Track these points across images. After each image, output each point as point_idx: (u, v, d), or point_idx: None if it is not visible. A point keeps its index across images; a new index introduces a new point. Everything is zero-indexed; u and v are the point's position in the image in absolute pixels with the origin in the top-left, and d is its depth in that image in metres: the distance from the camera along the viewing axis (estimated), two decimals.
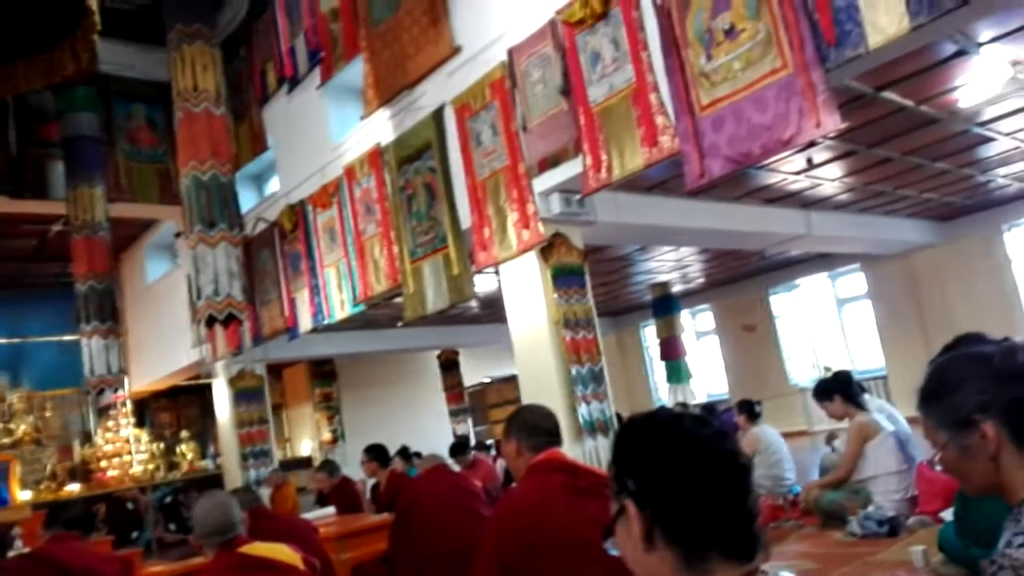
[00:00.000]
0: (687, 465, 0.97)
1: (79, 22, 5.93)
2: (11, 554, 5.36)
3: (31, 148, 8.48)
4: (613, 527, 1.03)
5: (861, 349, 12.25)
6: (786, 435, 6.64)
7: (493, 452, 9.95)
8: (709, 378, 14.10)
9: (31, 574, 3.09)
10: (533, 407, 2.80)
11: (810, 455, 8.17)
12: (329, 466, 7.36)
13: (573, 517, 2.30)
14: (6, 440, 10.39)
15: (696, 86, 4.40)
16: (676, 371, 11.80)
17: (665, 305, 11.87)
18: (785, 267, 12.20)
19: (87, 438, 11.64)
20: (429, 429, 13.44)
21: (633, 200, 6.28)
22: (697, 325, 14.48)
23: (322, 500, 7.24)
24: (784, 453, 6.05)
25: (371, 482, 7.72)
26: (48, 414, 11.39)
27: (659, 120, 4.65)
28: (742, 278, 12.57)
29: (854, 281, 12.41)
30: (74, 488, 10.35)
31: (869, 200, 8.72)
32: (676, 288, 12.22)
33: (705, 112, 4.43)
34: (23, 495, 9.87)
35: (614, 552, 1.05)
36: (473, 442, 12.24)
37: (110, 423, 11.30)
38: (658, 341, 12.15)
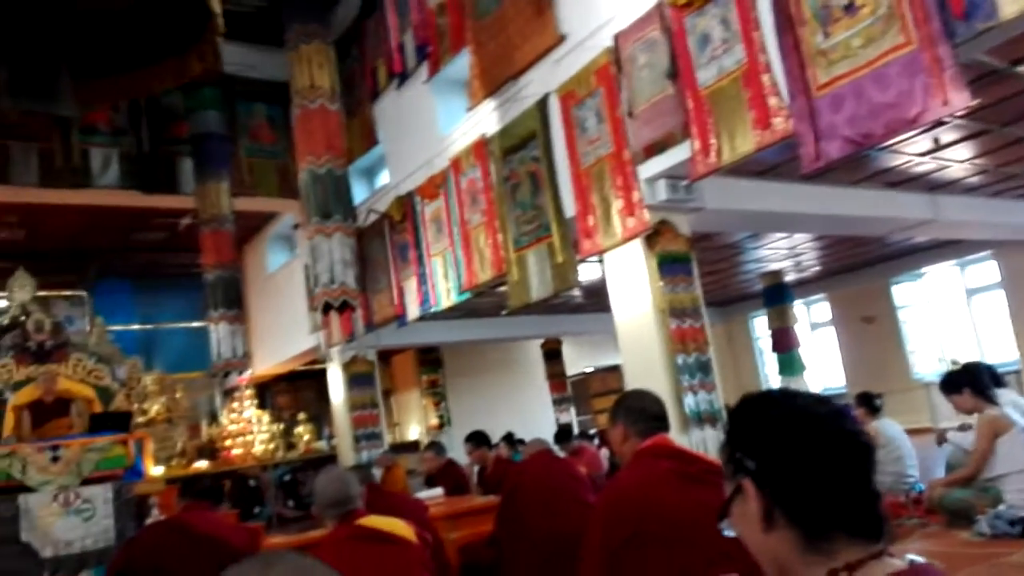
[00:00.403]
0: (807, 443, 0.94)
1: (205, 26, 6.32)
2: (148, 521, 5.83)
3: (162, 146, 9.09)
4: (728, 508, 1.01)
5: (992, 341, 11.46)
6: (909, 432, 6.31)
7: (596, 442, 9.93)
8: (824, 371, 13.54)
9: (167, 539, 3.34)
10: (640, 392, 2.77)
11: (934, 452, 7.72)
12: (436, 447, 7.56)
13: (682, 504, 2.26)
14: (141, 419, 11.16)
15: (812, 65, 4.23)
16: (789, 363, 11.39)
17: (777, 295, 11.46)
18: (909, 255, 11.54)
19: (213, 418, 12.36)
20: (533, 417, 13.56)
21: (743, 185, 6.10)
22: (812, 316, 13.92)
23: (431, 482, 7.45)
24: (907, 449, 5.75)
25: (477, 468, 7.87)
26: (178, 395, 12.14)
27: (772, 101, 4.50)
28: (861, 267, 11.96)
29: (985, 270, 11.61)
30: (202, 465, 11.02)
31: (1002, 183, 8.12)
32: (789, 277, 11.77)
33: (822, 91, 4.25)
34: (156, 470, 10.60)
35: (729, 533, 1.03)
36: (576, 431, 12.27)
37: (234, 404, 11.96)
38: (769, 332, 11.77)
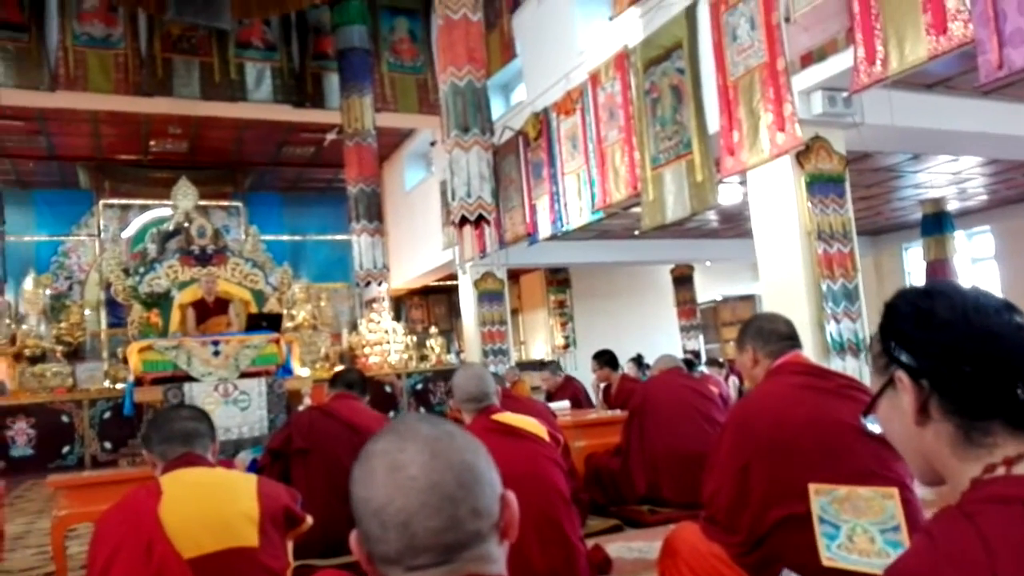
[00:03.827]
0: (972, 333, 0.89)
1: None
2: (301, 407, 6.32)
3: (310, 62, 9.41)
4: (877, 402, 0.99)
5: None
6: None
7: (726, 370, 9.75)
8: None
9: (318, 423, 3.60)
10: (767, 314, 2.67)
11: None
12: (552, 366, 7.71)
13: (819, 418, 2.17)
14: (289, 324, 11.98)
15: None
16: None
17: (937, 224, 10.63)
18: None
19: (354, 327, 13.07)
20: (658, 342, 13.45)
21: (910, 99, 5.58)
22: (972, 250, 12.87)
23: (550, 399, 7.60)
24: None
25: (603, 386, 7.93)
26: (322, 304, 12.89)
27: (950, 3, 4.07)
28: None
29: None
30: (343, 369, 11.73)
31: None
32: (951, 206, 10.86)
33: None
34: (302, 371, 11.39)
35: (874, 428, 1.01)
36: (705, 359, 12.09)
37: (373, 315, 12.59)
38: (924, 264, 10.99)
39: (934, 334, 0.92)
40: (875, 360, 1.00)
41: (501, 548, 0.85)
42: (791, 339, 2.47)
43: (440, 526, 0.80)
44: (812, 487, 1.81)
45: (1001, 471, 0.87)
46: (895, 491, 1.72)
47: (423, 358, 12.91)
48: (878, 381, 0.99)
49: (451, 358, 12.98)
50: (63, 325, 11.22)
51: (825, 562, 1.77)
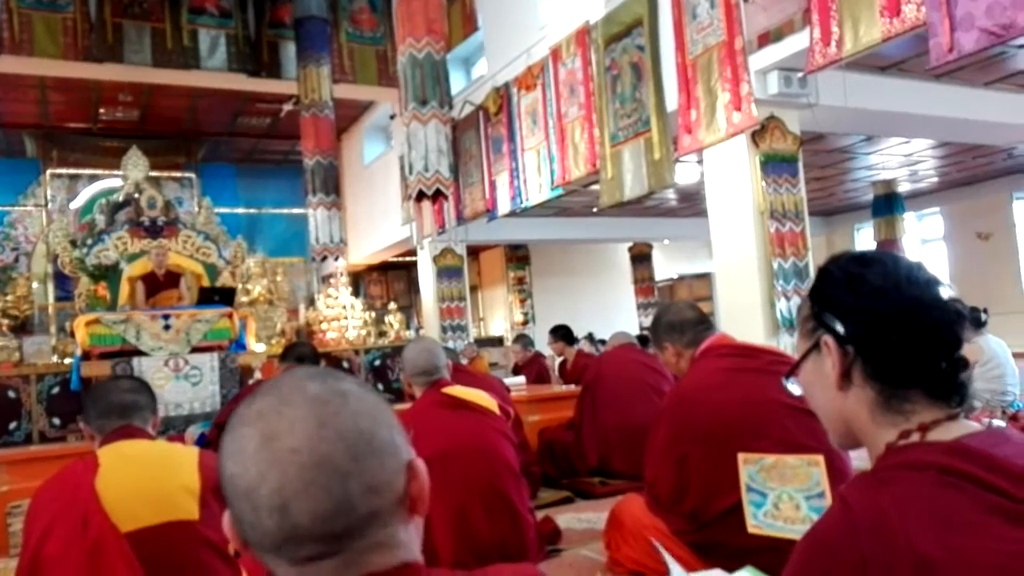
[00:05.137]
0: (902, 302, 0.90)
1: None
2: (250, 382, 6.27)
3: (266, 30, 9.17)
4: (800, 365, 0.99)
5: None
6: (1017, 355, 6.00)
7: None
8: None
9: None
10: (670, 306, 2.69)
11: None
12: (524, 340, 7.75)
13: (750, 400, 2.20)
14: (244, 299, 11.76)
15: None
16: None
17: (888, 205, 10.91)
18: None
19: (311, 303, 12.91)
20: (616, 319, 13.56)
21: (863, 81, 5.65)
22: (922, 231, 13.21)
23: (516, 372, 7.65)
24: (1008, 367, 5.50)
25: (558, 360, 8.00)
26: (279, 279, 12.67)
27: None
28: (982, 179, 11.13)
29: None
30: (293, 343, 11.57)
31: None
32: (902, 188, 11.13)
33: None
34: (258, 347, 11.22)
35: (795, 390, 1.02)
36: None
37: (330, 291, 12.44)
38: (875, 244, 11.27)
39: (864, 301, 0.92)
40: (803, 323, 1.00)
41: (409, 527, 0.72)
42: (704, 323, 2.48)
43: (328, 510, 0.66)
44: (741, 456, 1.85)
45: (915, 437, 0.89)
46: (820, 458, 1.77)
47: (382, 334, 12.78)
48: (804, 344, 1.00)
49: (410, 334, 12.86)
50: (9, 298, 10.86)
51: (751, 530, 1.81)
